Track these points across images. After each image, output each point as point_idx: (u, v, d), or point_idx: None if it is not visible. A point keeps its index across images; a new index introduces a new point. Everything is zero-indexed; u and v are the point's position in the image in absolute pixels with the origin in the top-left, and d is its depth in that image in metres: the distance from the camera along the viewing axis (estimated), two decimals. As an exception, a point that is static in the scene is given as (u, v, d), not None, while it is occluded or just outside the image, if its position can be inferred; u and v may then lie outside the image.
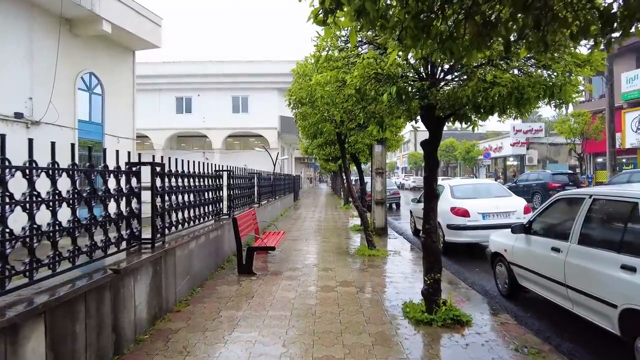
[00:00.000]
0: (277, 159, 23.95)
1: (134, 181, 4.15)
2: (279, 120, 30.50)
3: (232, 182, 7.97)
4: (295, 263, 7.07)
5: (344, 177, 9.52)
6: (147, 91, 30.91)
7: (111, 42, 14.91)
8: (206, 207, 6.39)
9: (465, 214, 7.93)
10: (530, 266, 4.85)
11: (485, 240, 8.23)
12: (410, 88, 3.72)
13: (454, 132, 48.61)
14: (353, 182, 11.79)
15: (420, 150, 54.03)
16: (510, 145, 31.55)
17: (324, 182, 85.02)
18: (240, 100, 31.24)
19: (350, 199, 11.42)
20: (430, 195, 4.62)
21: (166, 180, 4.89)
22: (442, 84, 4.41)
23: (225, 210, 7.57)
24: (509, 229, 5.53)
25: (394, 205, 20.08)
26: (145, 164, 4.29)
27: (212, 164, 6.95)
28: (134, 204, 4.18)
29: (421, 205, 10.53)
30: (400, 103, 3.72)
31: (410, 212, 11.34)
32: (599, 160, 28.22)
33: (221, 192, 7.38)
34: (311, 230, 11.36)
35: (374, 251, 7.84)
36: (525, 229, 5.05)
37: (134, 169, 4.21)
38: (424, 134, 4.55)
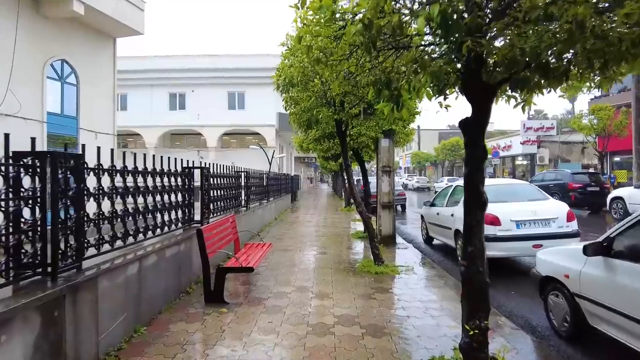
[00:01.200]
0: (272, 157, 22.46)
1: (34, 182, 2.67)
2: (277, 117, 29.03)
3: (209, 182, 6.49)
4: (283, 285, 5.57)
5: (345, 177, 8.01)
6: (138, 86, 29.54)
7: (88, 27, 13.45)
8: (167, 214, 4.91)
9: (494, 221, 6.42)
10: (613, 304, 3.35)
11: (520, 254, 6.78)
12: (459, 11, 2.20)
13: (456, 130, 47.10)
14: (355, 182, 10.30)
15: (425, 149, 52.70)
16: (520, 143, 30.00)
17: (324, 182, 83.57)
18: (236, 96, 29.79)
19: (353, 202, 9.94)
20: (475, 201, 3.14)
21: (94, 179, 3.42)
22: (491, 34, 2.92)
23: (198, 217, 6.09)
24: (572, 246, 4.04)
25: (399, 207, 18.56)
26: (25, 154, 2.81)
27: (185, 160, 5.47)
28: (26, 214, 2.72)
29: (435, 210, 8.97)
30: (445, 39, 2.22)
31: (422, 216, 9.83)
32: (616, 159, 26.68)
33: (191, 194, 5.90)
34: (307, 238, 9.85)
35: (381, 267, 6.34)
36: (603, 249, 3.55)
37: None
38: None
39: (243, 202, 9.28)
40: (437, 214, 8.43)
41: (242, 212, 9.00)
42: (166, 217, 4.92)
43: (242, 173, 9.37)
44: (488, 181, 8.67)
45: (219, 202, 7.20)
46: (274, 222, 13.09)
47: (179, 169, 5.44)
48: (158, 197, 4.70)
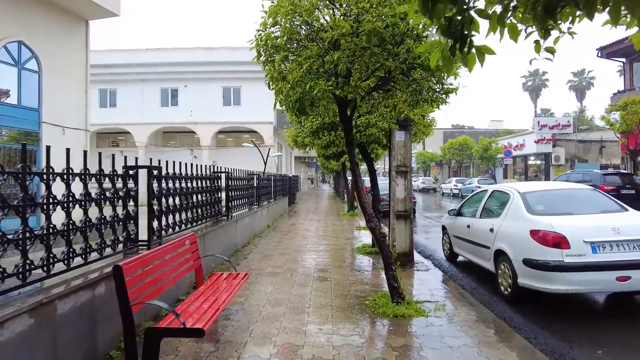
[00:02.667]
0: (268, 156, 20.66)
1: None
2: (275, 114, 27.24)
3: (161, 187, 4.69)
4: (260, 342, 3.76)
5: (351, 179, 6.16)
6: (128, 82, 27.80)
7: (52, 6, 11.68)
8: (87, 234, 3.13)
9: (561, 243, 4.57)
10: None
11: (599, 289, 4.88)
12: None
13: (461, 129, 45.27)
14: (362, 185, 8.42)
15: (429, 149, 50.76)
16: (535, 142, 28.10)
17: (326, 182, 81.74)
18: (231, 91, 28.02)
19: (359, 208, 8.13)
20: None
21: None
22: None
23: (147, 236, 4.29)
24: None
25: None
26: None
27: (157, 160, 3.66)
28: None
29: (464, 221, 6.74)
30: None
31: (444, 228, 7.99)
32: (640, 159, 24.74)
33: (134, 202, 4.11)
34: (302, 255, 8.04)
35: (402, 308, 4.52)
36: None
37: None
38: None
39: (223, 209, 7.47)
40: (468, 226, 6.60)
41: (222, 223, 7.20)
42: (96, 239, 3.12)
43: (224, 174, 7.55)
44: (539, 185, 6.83)
45: (180, 213, 5.40)
46: (266, 231, 11.27)
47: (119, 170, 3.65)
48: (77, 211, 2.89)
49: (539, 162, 30.52)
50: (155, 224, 4.57)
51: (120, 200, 3.82)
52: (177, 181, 5.36)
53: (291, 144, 8.53)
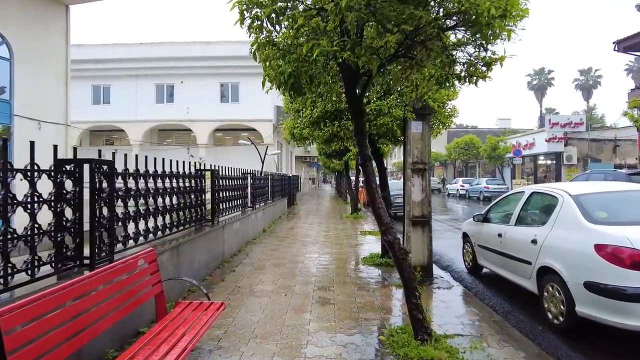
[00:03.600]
0: (265, 154, 19.56)
1: None
2: (274, 111, 26.13)
3: (115, 189, 3.59)
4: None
5: (362, 176, 5.04)
6: (122, 77, 26.73)
7: (25, -14, 10.59)
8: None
9: (641, 262, 3.44)
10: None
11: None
12: None
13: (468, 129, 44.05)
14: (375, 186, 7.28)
15: (433, 148, 49.65)
16: (545, 141, 26.90)
17: (327, 182, 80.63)
18: (229, 87, 26.92)
19: (375, 219, 7.16)
20: None
21: None
22: None
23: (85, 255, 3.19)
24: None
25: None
26: None
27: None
28: None
29: (493, 229, 4.95)
30: None
31: (465, 235, 6.86)
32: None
33: (75, 208, 3.03)
34: (300, 266, 6.92)
35: (429, 348, 3.39)
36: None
37: None
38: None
39: (206, 213, 6.36)
40: (499, 235, 5.46)
41: (206, 229, 6.09)
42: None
43: (209, 171, 6.44)
44: (593, 186, 5.67)
45: (146, 220, 4.29)
46: (261, 236, 10.15)
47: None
48: None
49: (549, 161, 29.33)
50: (105, 235, 3.47)
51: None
52: (142, 180, 4.26)
53: (287, 137, 7.37)
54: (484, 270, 6.54)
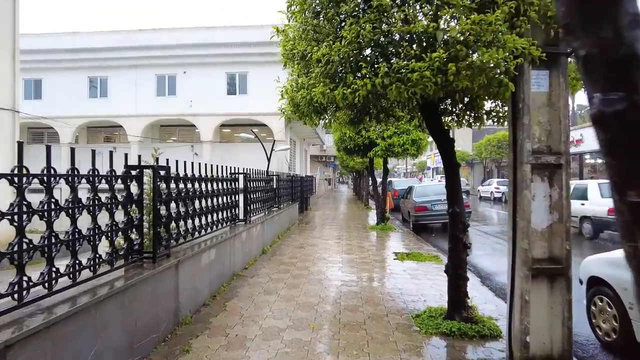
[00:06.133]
0: (272, 149, 16.74)
1: None
2: (286, 104, 23.27)
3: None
4: None
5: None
6: (120, 68, 24.35)
7: None
8: None
9: None
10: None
11: None
12: None
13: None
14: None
15: (460, 147, 46.25)
16: (598, 136, 23.22)
17: (344, 183, 77.55)
18: (237, 78, 24.25)
19: (449, 261, 4.41)
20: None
21: None
22: None
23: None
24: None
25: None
26: None
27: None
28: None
29: None
30: None
31: (595, 282, 3.84)
32: None
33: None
34: (310, 344, 4.00)
35: None
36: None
37: None
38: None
39: (170, 237, 3.52)
40: None
41: (140, 276, 3.25)
42: None
43: (149, 170, 3.62)
44: None
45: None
46: (256, 263, 7.27)
47: None
48: None
49: (600, 160, 25.64)
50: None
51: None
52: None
53: (288, 110, 4.39)
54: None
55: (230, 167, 6.55)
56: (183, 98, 23.99)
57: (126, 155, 3.53)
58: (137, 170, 3.59)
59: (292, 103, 3.97)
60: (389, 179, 17.32)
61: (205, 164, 5.25)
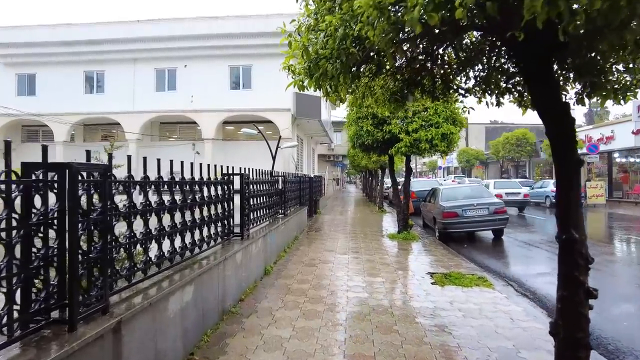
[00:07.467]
0: (277, 147, 15.19)
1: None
2: (293, 99, 21.87)
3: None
4: None
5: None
6: (117, 61, 22.95)
7: None
8: None
9: None
10: None
11: None
12: None
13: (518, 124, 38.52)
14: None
15: (474, 146, 44.43)
16: (633, 133, 21.36)
17: (352, 183, 75.90)
18: (240, 71, 22.75)
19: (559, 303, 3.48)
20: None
21: None
22: None
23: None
24: None
25: (481, 234, 10.88)
26: None
27: None
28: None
29: None
30: None
31: None
32: None
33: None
34: None
35: None
36: None
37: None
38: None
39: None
40: None
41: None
42: None
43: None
44: None
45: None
46: (262, 283, 5.71)
47: None
48: None
49: (633, 159, 23.72)
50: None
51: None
52: None
53: (301, 62, 2.80)
54: None
55: (228, 168, 5.02)
56: (184, 93, 22.52)
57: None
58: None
59: (307, 55, 2.34)
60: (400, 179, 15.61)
61: (183, 162, 3.69)
